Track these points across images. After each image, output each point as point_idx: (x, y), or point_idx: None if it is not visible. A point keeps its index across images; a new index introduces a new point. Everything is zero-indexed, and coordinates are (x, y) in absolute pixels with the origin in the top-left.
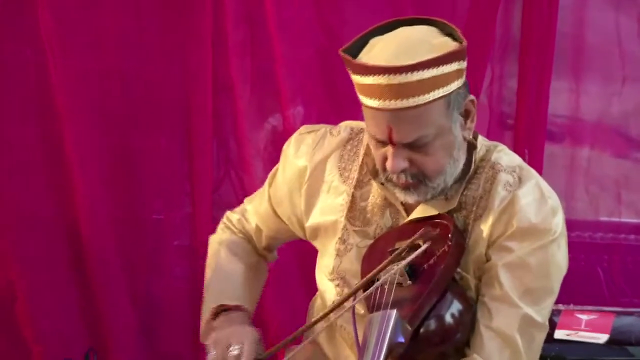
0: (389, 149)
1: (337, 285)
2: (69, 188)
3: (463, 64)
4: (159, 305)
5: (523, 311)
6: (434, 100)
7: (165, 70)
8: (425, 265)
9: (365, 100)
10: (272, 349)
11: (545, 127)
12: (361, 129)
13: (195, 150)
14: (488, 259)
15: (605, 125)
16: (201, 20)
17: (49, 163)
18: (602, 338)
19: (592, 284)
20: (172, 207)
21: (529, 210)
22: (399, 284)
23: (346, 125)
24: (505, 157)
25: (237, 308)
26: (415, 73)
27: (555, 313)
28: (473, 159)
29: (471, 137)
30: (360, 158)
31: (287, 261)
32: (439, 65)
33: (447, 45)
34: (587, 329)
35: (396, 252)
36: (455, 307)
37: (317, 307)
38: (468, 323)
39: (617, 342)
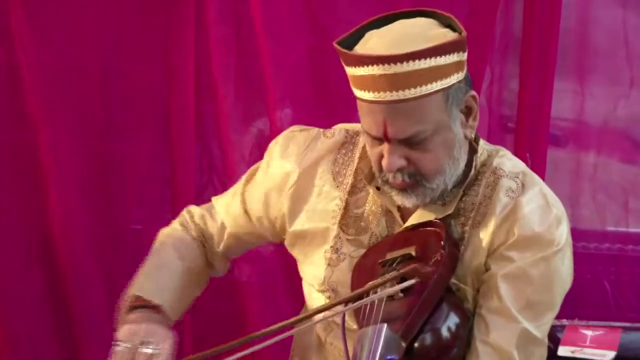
0: (385, 147)
1: (328, 298)
2: (42, 195)
3: (463, 56)
4: None
5: (522, 326)
6: (432, 93)
7: (145, 69)
8: (416, 276)
9: (360, 93)
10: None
11: (548, 131)
12: (357, 131)
13: (176, 155)
14: (487, 269)
15: (612, 129)
16: (183, 16)
17: (21, 169)
18: (608, 355)
19: (598, 297)
20: (152, 216)
21: (532, 219)
22: (390, 297)
23: (341, 127)
24: (508, 162)
25: (155, 308)
26: (411, 62)
27: (559, 329)
28: (474, 164)
29: (473, 136)
30: (356, 162)
31: (272, 270)
32: (437, 56)
33: (446, 35)
34: (593, 345)
35: (388, 263)
36: (452, 319)
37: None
38: (465, 337)
39: (625, 359)
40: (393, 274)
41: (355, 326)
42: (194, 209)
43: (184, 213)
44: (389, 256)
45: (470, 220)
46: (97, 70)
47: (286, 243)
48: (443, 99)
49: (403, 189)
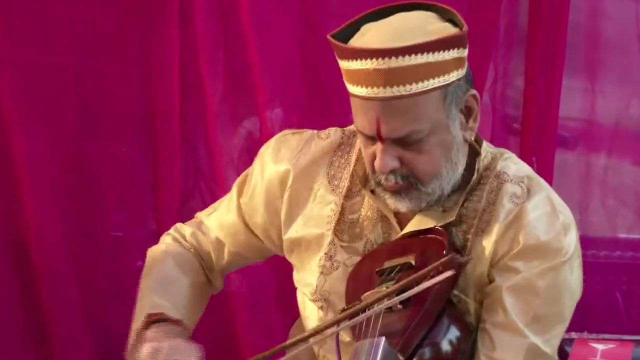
0: (378, 146)
1: (321, 308)
2: (15, 201)
3: (464, 53)
4: (119, 335)
5: (529, 340)
6: (429, 90)
7: (126, 66)
8: (416, 287)
9: (353, 89)
10: None
11: (555, 132)
12: (354, 132)
13: (160, 158)
14: (491, 281)
15: (624, 130)
16: (166, 9)
17: None
18: None
19: (609, 309)
20: (134, 223)
21: (538, 226)
22: (389, 309)
23: (337, 128)
24: (513, 166)
25: (177, 323)
26: (407, 57)
27: (567, 342)
28: (476, 167)
29: (473, 139)
30: (352, 165)
31: (263, 279)
32: (435, 51)
33: (446, 30)
34: None
35: (386, 272)
36: (453, 333)
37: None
38: (467, 351)
39: None
40: (392, 286)
41: (349, 339)
42: (183, 227)
43: (173, 231)
44: (386, 265)
45: (473, 228)
46: (73, 67)
47: (284, 250)
48: (441, 97)
49: (396, 192)
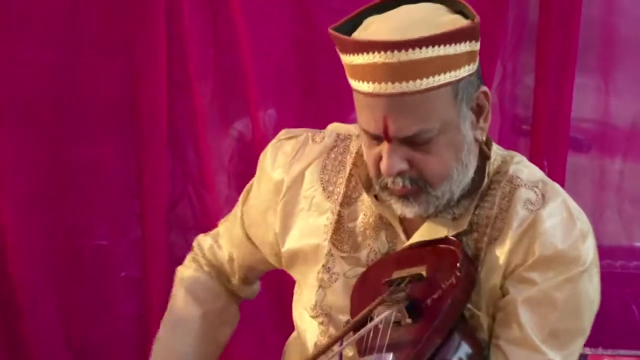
0: (384, 147)
1: (322, 323)
2: None
3: (476, 46)
4: (101, 351)
5: (547, 358)
6: (439, 86)
7: (109, 64)
8: (428, 301)
9: (357, 85)
10: None
11: (568, 134)
12: (349, 135)
13: (145, 162)
14: (505, 293)
15: None
16: (152, 3)
17: None
18: None
19: (625, 322)
20: (118, 232)
21: (554, 234)
22: (397, 323)
23: (332, 129)
24: (526, 170)
25: None
26: (417, 50)
27: (581, 358)
28: (487, 171)
29: (484, 139)
30: (348, 169)
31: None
32: (446, 44)
33: (457, 22)
34: None
35: (395, 283)
36: (464, 350)
37: (297, 350)
38: None
39: None
40: (401, 295)
41: (352, 353)
42: (203, 241)
43: (195, 246)
44: (395, 275)
45: (485, 236)
46: (52, 65)
47: (284, 265)
48: (452, 94)
49: (403, 196)
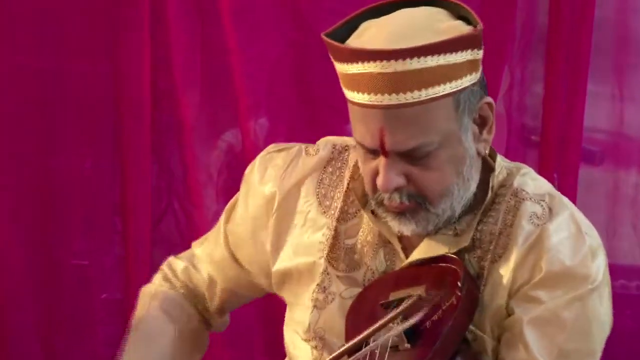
0: (381, 161)
1: (315, 348)
2: None
3: (478, 54)
4: None
5: None
6: (440, 97)
7: (90, 70)
8: (427, 323)
9: (352, 96)
10: None
11: (579, 145)
12: (346, 146)
13: (128, 175)
14: (510, 313)
15: None
16: (135, 6)
17: None
18: None
19: None
20: (98, 250)
21: (562, 250)
22: (394, 347)
23: (326, 141)
24: (532, 182)
25: None
26: (416, 59)
27: None
28: (490, 184)
29: (487, 152)
30: (345, 183)
31: (246, 314)
32: (446, 52)
33: (459, 29)
34: None
35: (392, 305)
36: None
37: None
38: None
39: None
40: (397, 317)
41: None
42: (175, 262)
43: (165, 267)
44: (392, 297)
45: (489, 253)
46: (31, 71)
47: (274, 286)
48: (453, 105)
49: (401, 213)
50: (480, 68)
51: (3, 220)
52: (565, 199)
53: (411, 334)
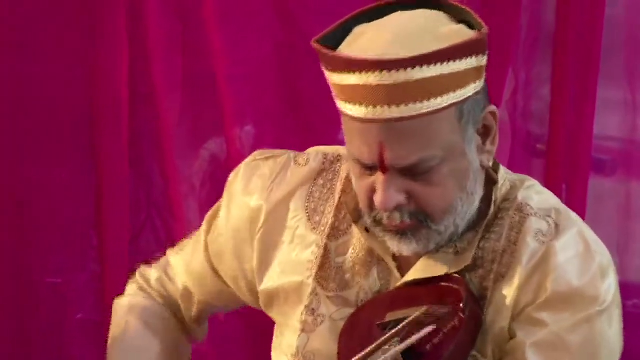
0: (380, 177)
1: None
2: None
3: (483, 60)
4: None
5: None
6: (443, 108)
7: (64, 74)
8: (427, 346)
9: (348, 108)
10: None
11: (589, 154)
12: (338, 156)
13: (105, 186)
14: (512, 336)
15: None
16: (112, 5)
17: None
18: None
19: None
20: (73, 267)
21: (569, 270)
22: None
23: (317, 151)
24: (537, 196)
25: None
26: (418, 68)
27: None
28: (493, 198)
29: (491, 164)
30: (337, 197)
31: (232, 337)
32: (450, 59)
33: (462, 33)
34: None
35: (389, 327)
36: None
37: None
38: None
39: None
40: (395, 337)
41: None
42: (148, 271)
43: (138, 276)
44: (389, 317)
45: (492, 273)
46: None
47: (262, 305)
48: (457, 116)
49: (401, 232)
50: (485, 75)
51: None
52: (573, 214)
53: (410, 358)
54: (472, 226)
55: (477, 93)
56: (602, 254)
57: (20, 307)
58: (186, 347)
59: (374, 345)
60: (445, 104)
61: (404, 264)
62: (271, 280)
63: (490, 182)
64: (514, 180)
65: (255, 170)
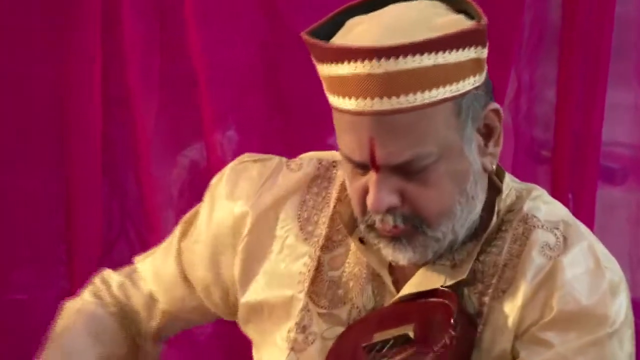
0: (372, 177)
1: None
2: None
3: (482, 53)
4: None
5: None
6: (438, 102)
7: (33, 76)
8: None
9: (337, 101)
10: None
11: (598, 161)
12: (334, 162)
13: (75, 196)
14: (515, 356)
15: None
16: (85, 3)
17: None
18: None
19: None
20: (40, 283)
21: (577, 287)
22: None
23: (311, 156)
24: (544, 207)
25: None
26: (410, 58)
27: None
28: (496, 208)
29: (494, 168)
30: (332, 205)
31: (208, 354)
32: (445, 50)
33: (460, 24)
34: None
35: (375, 348)
36: None
37: None
38: None
39: None
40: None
41: None
42: (111, 276)
43: (97, 281)
44: (377, 338)
45: (492, 288)
46: None
47: (239, 319)
48: (454, 112)
49: (396, 238)
50: (486, 69)
51: None
52: (583, 227)
53: None
54: (471, 237)
55: (476, 88)
56: (613, 270)
57: None
58: None
59: None
60: (440, 97)
61: (401, 279)
62: (255, 293)
63: (494, 190)
64: (521, 189)
65: (243, 172)
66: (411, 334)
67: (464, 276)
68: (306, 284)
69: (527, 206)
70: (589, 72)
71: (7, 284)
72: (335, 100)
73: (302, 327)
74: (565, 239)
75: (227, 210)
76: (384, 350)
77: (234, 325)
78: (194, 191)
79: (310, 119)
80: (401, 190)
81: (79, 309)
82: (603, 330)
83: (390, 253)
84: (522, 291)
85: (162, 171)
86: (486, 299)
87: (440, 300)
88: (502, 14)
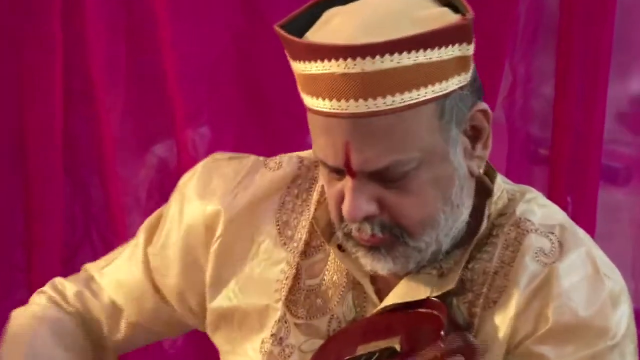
0: (347, 183)
1: None
2: None
3: (468, 50)
4: None
5: None
6: (419, 103)
7: None
8: None
9: (312, 102)
10: None
11: (599, 161)
12: (315, 161)
13: (35, 198)
14: None
15: None
16: None
17: None
18: None
19: None
20: None
21: (574, 297)
22: None
23: (291, 155)
24: (539, 210)
25: None
26: (388, 57)
27: None
28: (486, 212)
29: (481, 171)
30: (313, 209)
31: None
32: (427, 47)
33: (443, 18)
34: None
35: None
36: None
37: None
38: None
39: None
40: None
41: None
42: (63, 284)
43: (49, 289)
44: (361, 350)
45: (482, 297)
46: None
47: (207, 325)
48: (436, 114)
49: (374, 248)
50: (472, 67)
51: None
52: (581, 232)
53: None
54: (459, 244)
55: (461, 88)
56: (614, 279)
57: None
58: None
59: None
60: (421, 98)
61: (383, 288)
62: (226, 299)
63: (484, 193)
64: (513, 191)
65: (216, 170)
66: (397, 347)
67: (452, 286)
68: (283, 293)
69: (520, 209)
70: (589, 63)
71: None
72: (308, 100)
73: (278, 339)
74: (561, 244)
75: (199, 210)
76: None
77: (204, 335)
78: (163, 192)
79: (288, 115)
80: (379, 198)
81: (36, 314)
82: (603, 344)
83: (368, 263)
84: (515, 300)
85: (129, 171)
86: (476, 309)
87: (429, 310)
88: (495, 3)
